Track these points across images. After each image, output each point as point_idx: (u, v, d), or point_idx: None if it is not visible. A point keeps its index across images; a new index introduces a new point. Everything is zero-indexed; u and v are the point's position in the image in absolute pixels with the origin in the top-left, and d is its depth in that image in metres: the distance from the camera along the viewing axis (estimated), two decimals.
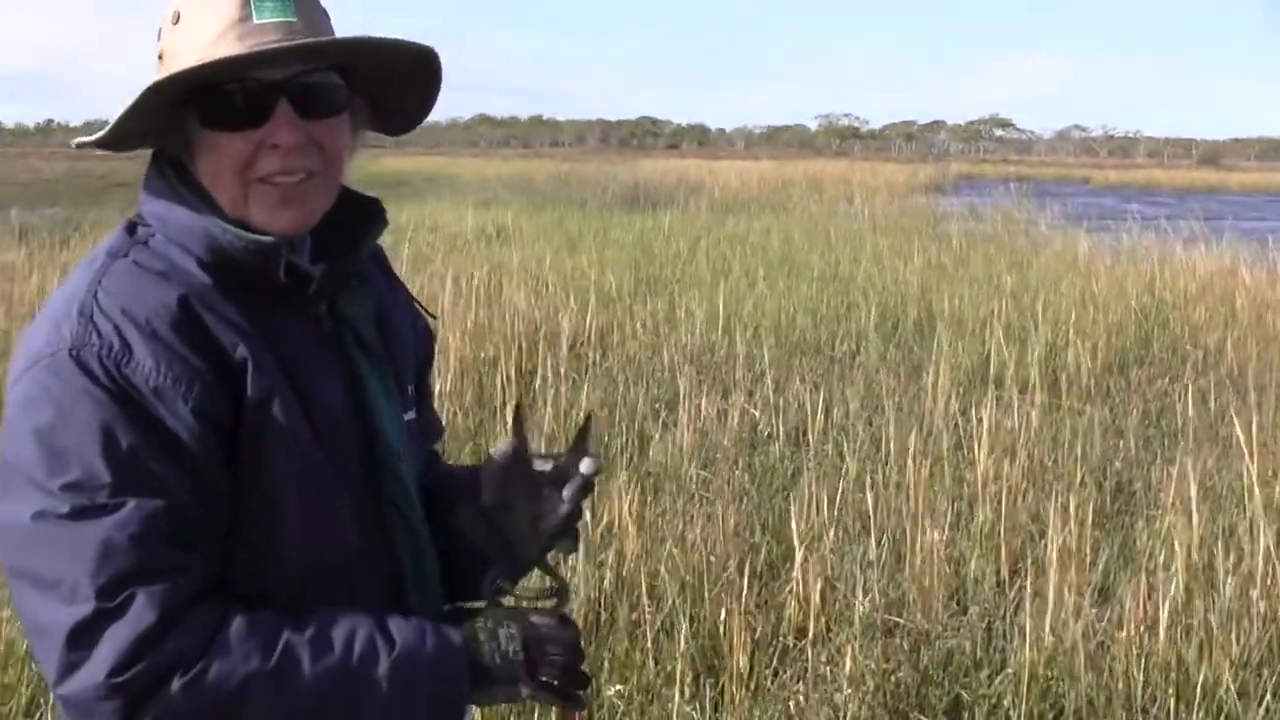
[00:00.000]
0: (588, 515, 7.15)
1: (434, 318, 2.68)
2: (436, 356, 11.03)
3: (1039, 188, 56.79)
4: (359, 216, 2.31)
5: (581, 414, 10.07)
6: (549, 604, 2.24)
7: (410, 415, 2.40)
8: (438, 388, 10.55)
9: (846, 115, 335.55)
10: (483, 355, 12.10)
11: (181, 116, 2.09)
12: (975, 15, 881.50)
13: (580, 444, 2.29)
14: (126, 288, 2.00)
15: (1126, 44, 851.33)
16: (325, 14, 2.18)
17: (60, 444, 1.89)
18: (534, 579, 2.39)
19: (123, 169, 52.21)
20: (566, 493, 2.25)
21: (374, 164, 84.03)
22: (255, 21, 2.03)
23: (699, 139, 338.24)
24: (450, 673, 2.09)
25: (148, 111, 2.05)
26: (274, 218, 2.09)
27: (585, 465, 2.24)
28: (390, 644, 2.03)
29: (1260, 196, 78.70)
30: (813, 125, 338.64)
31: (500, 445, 2.28)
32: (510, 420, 2.31)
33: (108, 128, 2.07)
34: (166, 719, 1.88)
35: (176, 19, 2.09)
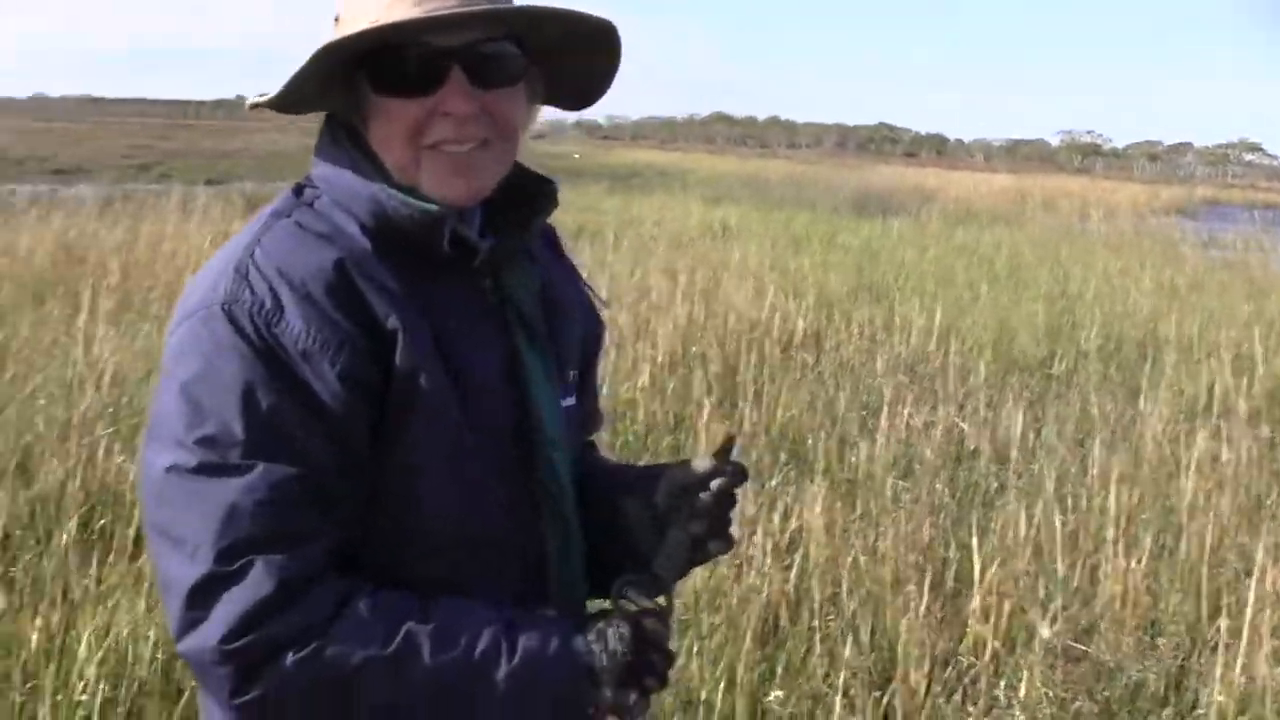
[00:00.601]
0: (778, 519, 7.10)
1: (606, 305, 2.61)
2: (644, 348, 11.08)
3: None
4: (532, 194, 2.27)
5: (771, 422, 10.01)
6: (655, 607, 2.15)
7: (570, 401, 2.35)
8: (643, 379, 10.55)
9: (1089, 132, 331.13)
10: (692, 350, 12.05)
11: (355, 81, 2.09)
12: (1226, 36, 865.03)
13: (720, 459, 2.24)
14: (285, 248, 2.00)
15: None
16: None
17: (201, 398, 1.90)
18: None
19: None
20: (704, 496, 2.20)
21: (608, 155, 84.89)
22: None
23: (937, 148, 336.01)
24: (569, 676, 2.02)
25: (321, 75, 2.04)
26: (444, 186, 2.08)
27: (717, 482, 2.21)
28: (513, 643, 1.97)
29: None
30: (1054, 141, 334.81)
31: (701, 460, 2.24)
32: (720, 442, 2.26)
33: (279, 89, 2.06)
34: (281, 691, 1.86)
35: None
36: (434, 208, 2.04)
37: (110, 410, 8.55)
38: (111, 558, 6.39)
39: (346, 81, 2.09)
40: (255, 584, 1.83)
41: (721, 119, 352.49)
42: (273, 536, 1.86)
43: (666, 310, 13.37)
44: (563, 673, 2.00)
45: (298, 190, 2.15)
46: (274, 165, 47.17)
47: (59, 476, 7.23)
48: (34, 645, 5.39)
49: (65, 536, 6.40)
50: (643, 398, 10.25)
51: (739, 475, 2.23)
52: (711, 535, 2.22)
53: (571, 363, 2.38)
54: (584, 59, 2.23)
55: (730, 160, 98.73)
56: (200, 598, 1.83)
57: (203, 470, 1.86)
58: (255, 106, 2.16)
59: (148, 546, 1.97)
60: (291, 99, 2.08)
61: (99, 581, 6.07)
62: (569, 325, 2.36)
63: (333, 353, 1.93)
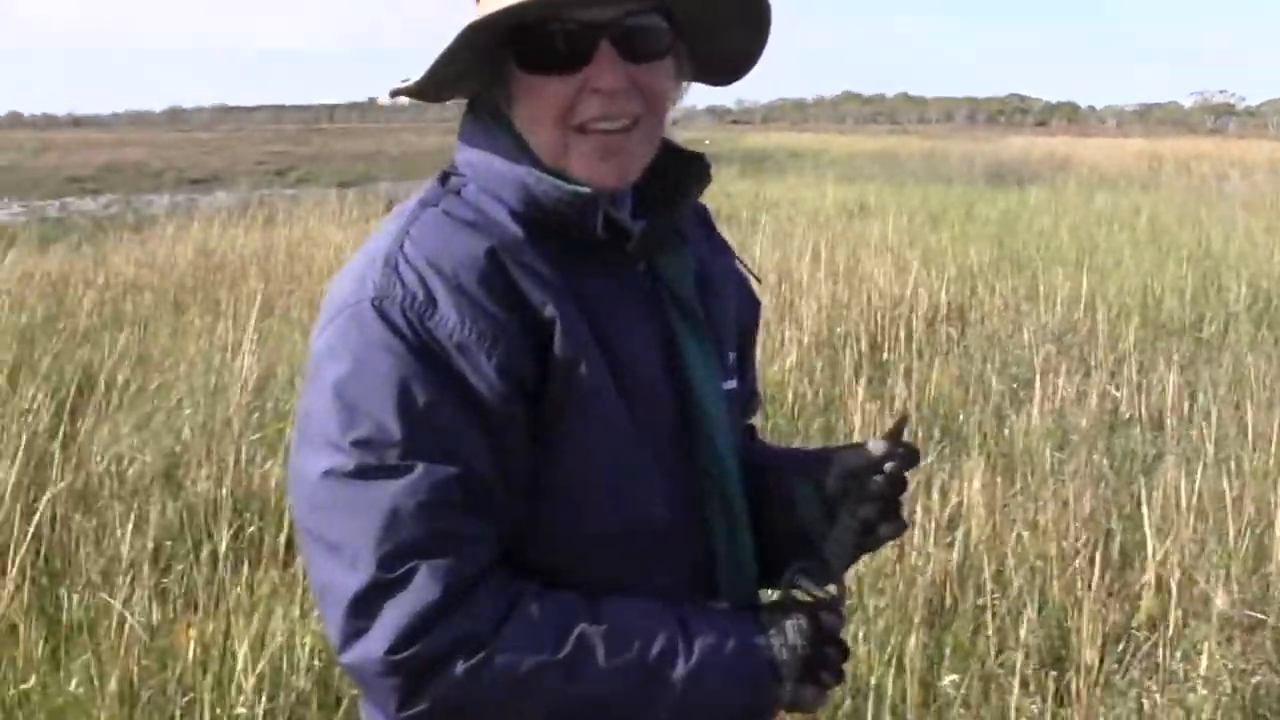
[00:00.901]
0: (936, 496, 7.04)
1: (759, 281, 2.57)
2: (791, 330, 11.04)
3: None
4: (682, 172, 2.21)
5: (924, 398, 9.95)
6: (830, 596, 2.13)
7: (731, 384, 2.30)
8: (790, 360, 10.53)
9: (1222, 92, 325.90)
10: (838, 330, 12.00)
11: (499, 60, 2.03)
12: None
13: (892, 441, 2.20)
14: (434, 238, 1.95)
15: None
16: None
17: (354, 398, 1.85)
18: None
19: None
20: (875, 479, 2.16)
21: (741, 139, 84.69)
22: None
23: (1068, 116, 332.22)
24: (750, 673, 1.99)
25: (464, 55, 1.99)
26: (595, 169, 2.01)
27: (887, 465, 2.17)
28: (690, 643, 1.94)
29: None
30: (1187, 103, 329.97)
31: (876, 443, 2.20)
32: (892, 424, 2.23)
33: (424, 73, 2.01)
34: (450, 700, 1.82)
35: None
36: (586, 190, 1.98)
37: (256, 416, 8.66)
38: (263, 565, 6.43)
39: (490, 61, 2.04)
40: (420, 590, 1.79)
41: (851, 98, 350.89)
42: (436, 540, 1.82)
43: (809, 290, 13.33)
44: (743, 670, 1.98)
45: (443, 178, 2.11)
46: (410, 165, 47.52)
47: (207, 485, 7.32)
48: (190, 657, 5.43)
49: (218, 545, 6.47)
50: (791, 379, 10.22)
51: (912, 457, 2.19)
52: (883, 519, 2.18)
53: (730, 344, 2.32)
54: (733, 32, 2.16)
55: (861, 138, 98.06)
56: (364, 606, 1.80)
57: (360, 473, 1.82)
58: (397, 94, 2.12)
59: (303, 553, 1.92)
60: (433, 84, 2.05)
61: (252, 590, 6.10)
62: (724, 305, 2.31)
63: (489, 345, 1.87)
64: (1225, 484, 7.40)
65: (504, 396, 1.88)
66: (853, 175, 39.92)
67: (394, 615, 1.78)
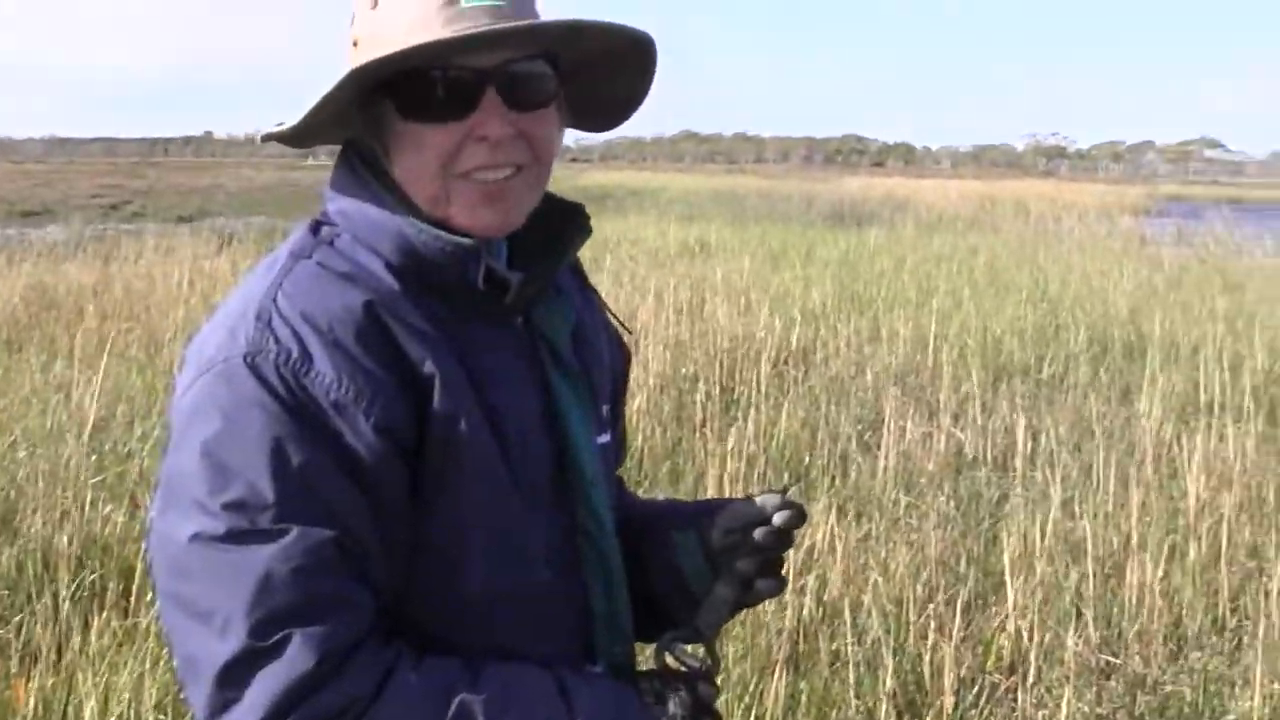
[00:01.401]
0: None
1: (630, 333, 2.53)
2: (636, 371, 11.01)
3: (1251, 211, 55.79)
4: (561, 222, 2.16)
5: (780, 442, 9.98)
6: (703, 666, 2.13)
7: (605, 438, 2.24)
8: (638, 403, 10.51)
9: (1054, 135, 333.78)
10: (683, 371, 12.02)
11: (378, 108, 1.97)
12: (1184, 34, 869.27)
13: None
14: (309, 291, 1.87)
15: None
16: None
17: (225, 458, 1.76)
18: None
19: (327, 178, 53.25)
20: (760, 533, 2.12)
21: (579, 177, 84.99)
22: (463, 5, 1.90)
23: (904, 157, 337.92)
24: None
25: (342, 101, 1.94)
26: (477, 216, 1.95)
27: (777, 517, 2.11)
28: (572, 714, 1.89)
29: None
30: (1019, 145, 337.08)
31: (771, 497, 2.16)
32: (784, 487, 2.21)
33: (300, 117, 1.95)
34: None
35: (375, 3, 1.97)
36: (466, 240, 1.93)
37: (95, 459, 8.44)
38: (106, 614, 6.17)
39: (367, 109, 1.98)
40: (294, 659, 1.70)
41: (689, 137, 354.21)
42: (311, 606, 1.73)
43: (654, 332, 13.34)
44: None
45: (315, 228, 2.03)
46: (248, 201, 47.21)
47: (45, 531, 7.11)
48: (30, 713, 5.26)
49: (58, 594, 6.28)
50: (639, 421, 10.20)
51: (800, 515, 2.14)
52: (762, 574, 2.15)
53: (603, 398, 2.27)
54: (618, 78, 2.15)
55: (700, 177, 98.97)
56: (234, 676, 1.71)
57: (231, 537, 1.73)
58: (269, 139, 2.08)
59: (166, 622, 1.79)
60: (308, 130, 2.00)
61: (96, 639, 5.87)
62: (599, 359, 2.27)
63: (367, 403, 1.80)
64: (1072, 526, 7.50)
65: (382, 456, 1.81)
66: (693, 214, 40.17)
67: (266, 685, 1.69)
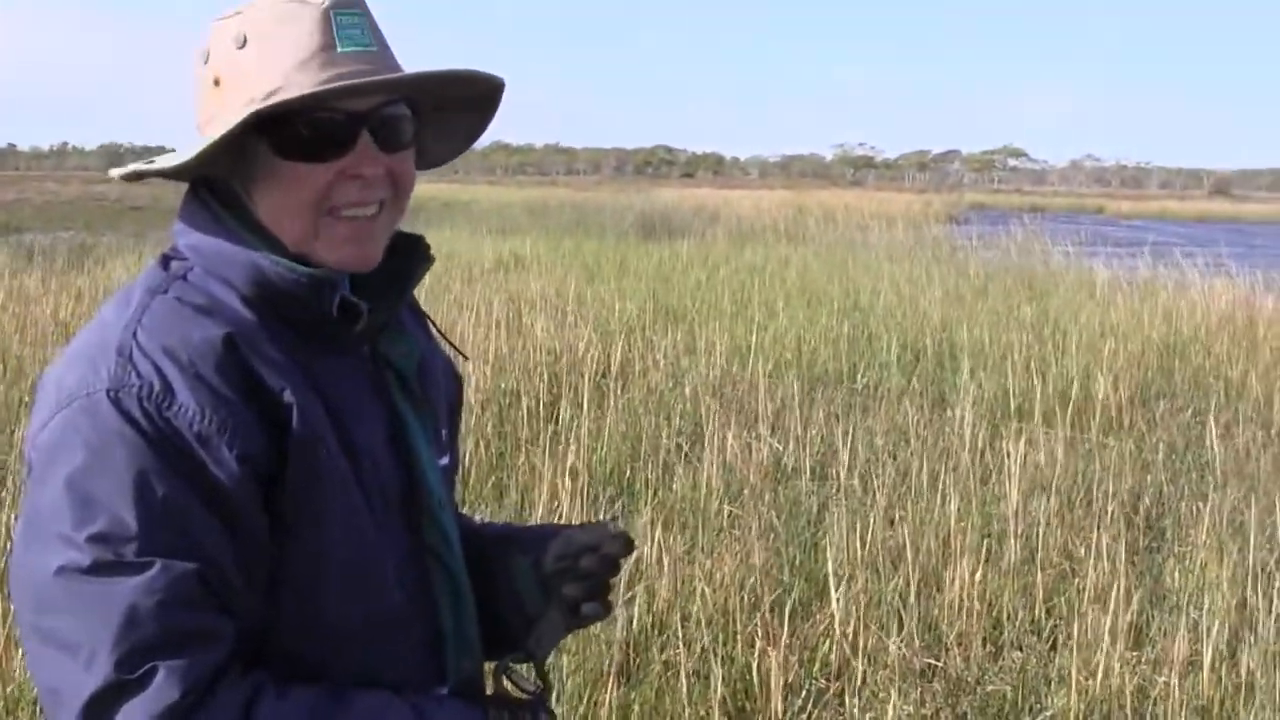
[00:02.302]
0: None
1: (466, 359, 2.60)
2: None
3: (1053, 218, 56.94)
4: (403, 252, 2.22)
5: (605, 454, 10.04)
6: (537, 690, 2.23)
7: (445, 461, 2.31)
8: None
9: (861, 144, 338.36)
10: (503, 386, 12.04)
11: (246, 146, 2.00)
12: (990, 44, 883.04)
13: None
14: (168, 326, 1.90)
15: (1138, 73, 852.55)
16: (385, 39, 2.12)
17: (89, 492, 1.77)
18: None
19: (136, 192, 52.24)
20: (587, 561, 2.22)
21: None
22: (340, 50, 1.97)
23: (714, 168, 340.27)
24: None
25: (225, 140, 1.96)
26: (342, 252, 2.02)
27: (606, 546, 2.22)
28: None
29: (1273, 227, 79.29)
30: (828, 154, 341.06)
31: (613, 527, 2.26)
32: (612, 517, 2.32)
33: (193, 155, 1.97)
34: None
35: (242, 41, 2.00)
36: (321, 272, 1.99)
37: None
38: None
39: (234, 146, 1.98)
40: (159, 692, 1.73)
41: (500, 148, 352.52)
42: (175, 638, 1.76)
43: (474, 347, 13.34)
44: None
45: (165, 262, 2.06)
46: (56, 215, 46.23)
47: None
48: None
49: None
50: (461, 438, 10.19)
51: (626, 545, 2.23)
52: (589, 598, 2.23)
53: (442, 422, 2.34)
54: (456, 117, 2.23)
55: (511, 189, 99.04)
56: (99, 709, 1.73)
57: (96, 569, 1.74)
58: (143, 177, 2.11)
59: (29, 654, 1.84)
60: (187, 166, 2.02)
61: None
62: (436, 384, 2.34)
63: (229, 434, 1.83)
64: (891, 532, 7.65)
65: (244, 487, 1.85)
66: (506, 228, 40.14)
67: (131, 718, 1.73)
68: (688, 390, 12.42)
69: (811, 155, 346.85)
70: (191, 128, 2.10)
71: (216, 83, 2.02)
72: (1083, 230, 38.05)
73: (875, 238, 36.85)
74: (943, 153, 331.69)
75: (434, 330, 2.46)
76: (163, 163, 2.05)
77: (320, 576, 1.97)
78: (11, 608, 2.19)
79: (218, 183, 2.08)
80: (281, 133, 1.97)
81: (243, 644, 1.86)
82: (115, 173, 2.17)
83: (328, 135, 1.98)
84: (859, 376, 13.99)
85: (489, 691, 2.22)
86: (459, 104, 2.21)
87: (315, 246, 2.02)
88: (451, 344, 2.55)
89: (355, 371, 2.10)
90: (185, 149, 2.02)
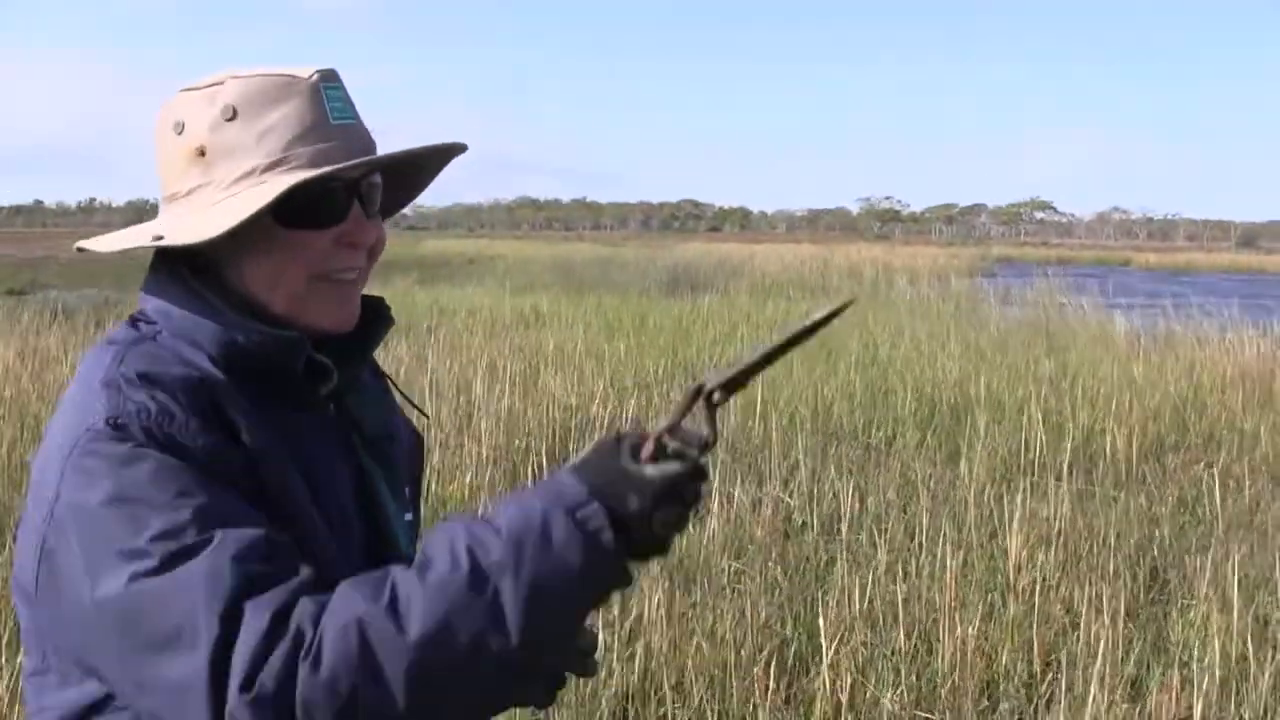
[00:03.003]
0: (616, 610, 7.14)
1: (426, 417, 2.66)
2: (469, 444, 11.07)
3: (1079, 271, 56.81)
4: (368, 315, 2.28)
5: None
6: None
7: (409, 516, 2.38)
8: (470, 475, 10.56)
9: (887, 198, 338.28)
10: (516, 443, 12.07)
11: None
12: (1015, 96, 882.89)
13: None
14: (149, 363, 1.96)
15: (1165, 125, 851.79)
16: None
17: (131, 506, 1.79)
18: None
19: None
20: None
21: (417, 246, 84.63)
22: (333, 123, 2.07)
23: (741, 222, 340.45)
24: (588, 516, 1.75)
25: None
26: (331, 314, 2.12)
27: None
28: (495, 526, 1.75)
29: None
30: (854, 208, 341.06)
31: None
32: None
33: (218, 227, 1.97)
34: (312, 699, 1.67)
35: (231, 114, 2.05)
36: (292, 333, 2.06)
37: None
38: None
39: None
40: (250, 625, 1.69)
41: (527, 204, 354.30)
42: (255, 580, 1.74)
43: (488, 403, 13.39)
44: (575, 511, 1.74)
45: (134, 324, 2.12)
46: (82, 272, 46.22)
47: None
48: None
49: None
50: (471, 494, 10.24)
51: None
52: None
53: (405, 479, 2.41)
54: (405, 182, 2.32)
55: (537, 244, 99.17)
56: (217, 670, 1.68)
57: (168, 563, 1.75)
58: (169, 246, 2.09)
59: (130, 690, 1.82)
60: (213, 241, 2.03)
61: None
62: (397, 441, 2.40)
63: (223, 449, 1.90)
64: (894, 587, 7.68)
65: (248, 493, 1.89)
66: (529, 283, 40.20)
67: (239, 659, 1.68)
68: None
69: (838, 209, 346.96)
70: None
71: (201, 153, 2.07)
72: (1108, 283, 37.96)
73: (899, 292, 36.82)
74: (969, 206, 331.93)
75: (392, 393, 2.54)
76: (177, 237, 2.05)
77: None
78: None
79: (193, 253, 2.11)
80: (286, 203, 2.00)
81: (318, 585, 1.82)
82: (121, 246, 2.17)
83: (331, 204, 2.08)
84: (874, 431, 13.98)
85: None
86: (415, 167, 2.30)
87: (307, 310, 2.10)
88: (411, 402, 2.62)
89: (322, 428, 2.16)
90: (203, 221, 2.02)
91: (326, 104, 2.07)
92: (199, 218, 2.04)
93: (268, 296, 2.09)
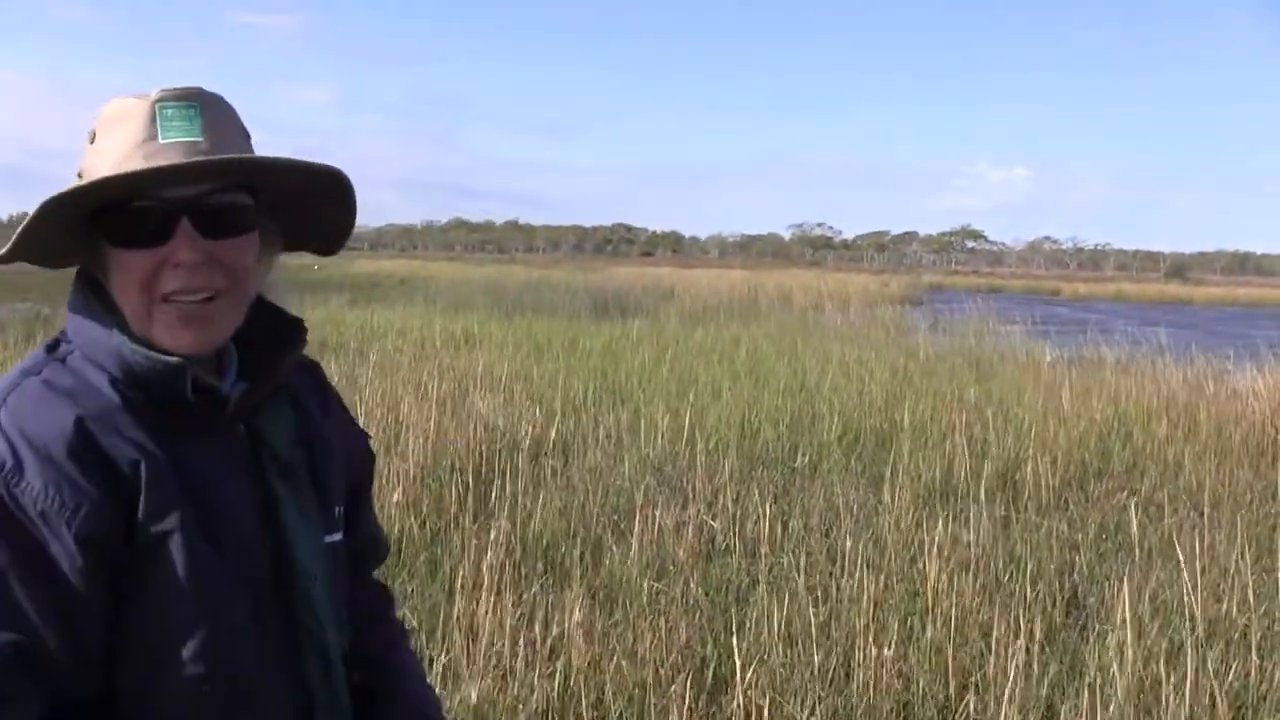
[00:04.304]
0: (538, 628, 7.18)
1: (368, 436, 2.68)
2: (396, 463, 11.04)
3: (1009, 299, 57.28)
4: (282, 334, 2.32)
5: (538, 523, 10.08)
6: None
7: (335, 537, 2.38)
8: (396, 495, 10.55)
9: (820, 225, 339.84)
10: (443, 463, 12.06)
11: (93, 235, 2.12)
12: (949, 124, 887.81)
13: None
14: (29, 408, 2.00)
15: (1096, 156, 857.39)
16: (245, 135, 2.20)
17: None
18: None
19: None
20: None
21: (350, 265, 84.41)
22: (160, 141, 2.06)
23: (673, 246, 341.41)
24: None
25: (57, 227, 2.07)
26: (176, 337, 2.10)
27: None
28: None
29: (1225, 310, 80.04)
30: (787, 234, 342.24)
31: None
32: None
33: (10, 243, 2.08)
34: None
35: (93, 138, 2.13)
36: (172, 359, 2.08)
37: None
38: None
39: (84, 235, 2.12)
40: None
41: (460, 225, 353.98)
42: None
43: (415, 423, 13.37)
44: None
45: (52, 345, 2.16)
46: (13, 286, 45.65)
47: None
48: None
49: None
50: (397, 513, 10.24)
51: None
52: None
53: (337, 499, 2.41)
54: (319, 207, 2.30)
55: (469, 266, 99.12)
56: None
57: None
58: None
59: None
60: (34, 252, 2.12)
61: None
62: (333, 461, 2.41)
63: (69, 514, 1.93)
64: (815, 610, 7.72)
65: (81, 568, 1.94)
66: (460, 304, 40.17)
67: None
68: (627, 469, 12.46)
69: (771, 235, 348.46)
70: None
71: (80, 176, 2.12)
72: (1036, 312, 38.22)
73: (827, 317, 37.01)
74: (901, 234, 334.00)
75: (337, 409, 2.56)
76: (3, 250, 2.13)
77: (167, 643, 2.03)
78: None
79: (89, 270, 2.19)
80: (110, 222, 2.07)
81: (65, 712, 1.94)
82: None
83: (144, 223, 2.07)
84: (799, 456, 14.03)
85: None
86: (314, 196, 2.28)
87: (152, 331, 2.11)
88: (355, 423, 2.64)
89: (224, 451, 2.17)
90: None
91: (160, 122, 2.07)
92: None
93: (126, 314, 2.13)
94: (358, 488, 2.57)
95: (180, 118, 2.09)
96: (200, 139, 2.09)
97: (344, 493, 2.46)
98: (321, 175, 2.22)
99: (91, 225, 2.10)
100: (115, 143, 2.08)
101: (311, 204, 2.28)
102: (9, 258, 2.12)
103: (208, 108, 2.13)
